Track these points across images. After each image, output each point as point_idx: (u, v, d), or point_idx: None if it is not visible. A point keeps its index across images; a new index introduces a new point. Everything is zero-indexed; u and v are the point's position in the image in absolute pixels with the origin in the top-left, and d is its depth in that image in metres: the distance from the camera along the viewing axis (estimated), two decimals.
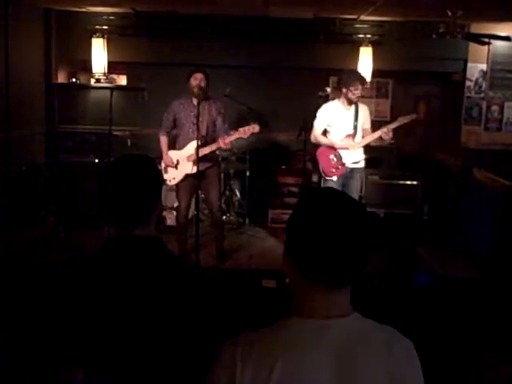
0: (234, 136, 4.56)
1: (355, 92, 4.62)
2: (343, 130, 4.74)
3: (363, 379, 1.12)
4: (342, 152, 4.69)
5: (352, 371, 1.12)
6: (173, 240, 4.85)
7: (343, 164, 4.68)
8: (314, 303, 1.18)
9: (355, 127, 4.77)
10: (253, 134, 4.56)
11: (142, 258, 1.50)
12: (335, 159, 4.69)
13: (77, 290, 1.49)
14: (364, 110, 4.88)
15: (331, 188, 1.32)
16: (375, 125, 4.94)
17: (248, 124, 4.63)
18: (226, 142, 4.55)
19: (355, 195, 4.81)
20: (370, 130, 4.83)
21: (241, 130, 4.55)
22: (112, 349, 1.44)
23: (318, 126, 4.86)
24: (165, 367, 1.44)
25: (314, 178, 5.66)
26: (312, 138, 4.92)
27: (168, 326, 1.45)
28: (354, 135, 4.77)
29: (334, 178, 4.77)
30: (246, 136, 4.57)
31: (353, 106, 4.79)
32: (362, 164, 4.89)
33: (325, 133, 4.82)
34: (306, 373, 1.11)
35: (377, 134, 4.70)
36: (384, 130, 4.64)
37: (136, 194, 1.53)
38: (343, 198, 1.22)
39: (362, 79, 4.69)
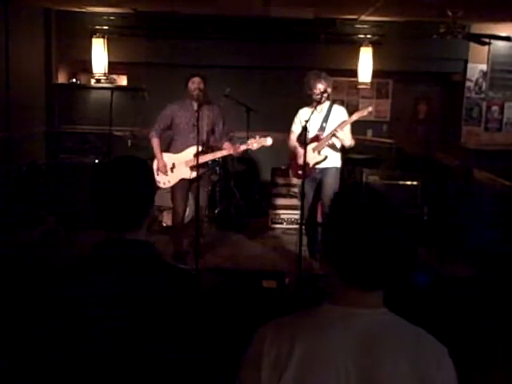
0: (243, 147, 4.58)
1: (315, 91, 4.54)
2: (312, 131, 4.63)
3: (385, 369, 1.13)
4: (308, 154, 4.54)
5: (374, 360, 1.14)
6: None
7: (308, 165, 4.52)
8: (345, 293, 1.21)
9: (322, 128, 4.69)
10: (262, 146, 4.57)
11: (131, 260, 1.46)
12: (302, 161, 4.59)
13: (65, 297, 1.44)
14: (339, 112, 4.74)
15: (367, 189, 1.29)
16: (375, 125, 4.93)
17: (249, 133, 4.66)
18: (237, 150, 4.58)
19: (331, 192, 4.72)
20: (349, 132, 4.70)
21: (249, 142, 4.56)
22: (101, 355, 1.40)
23: (294, 130, 4.86)
24: (156, 373, 1.41)
25: None
26: (288, 142, 4.91)
27: (159, 330, 1.41)
28: (320, 136, 4.68)
29: (299, 181, 4.73)
30: (254, 149, 4.59)
31: (325, 108, 4.70)
32: (333, 163, 4.74)
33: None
34: (327, 354, 1.14)
35: (331, 133, 4.60)
36: (337, 128, 4.53)
37: (127, 198, 1.48)
38: (380, 202, 1.23)
39: (317, 75, 4.55)
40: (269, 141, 4.51)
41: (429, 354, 1.17)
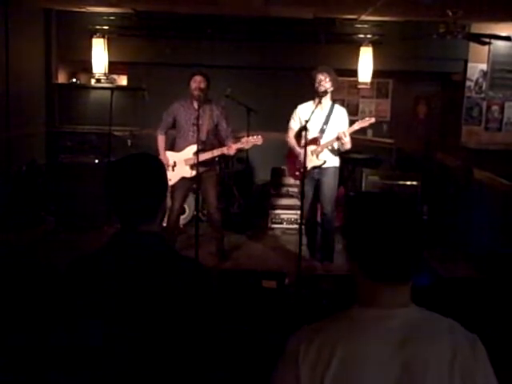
0: (237, 146, 4.63)
1: (320, 83, 4.52)
2: (312, 131, 4.62)
3: (426, 363, 1.16)
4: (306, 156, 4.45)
5: (415, 358, 1.16)
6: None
7: (306, 167, 4.44)
8: (376, 295, 1.23)
9: (322, 130, 4.66)
10: (255, 145, 4.63)
11: (145, 252, 1.52)
12: (300, 162, 4.53)
13: (79, 288, 1.50)
14: (340, 114, 4.72)
15: (381, 192, 1.37)
16: (375, 125, 4.92)
17: (248, 133, 4.83)
18: (231, 151, 4.62)
19: (330, 192, 4.71)
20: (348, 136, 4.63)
21: (243, 140, 4.64)
22: (113, 345, 1.44)
23: (292, 126, 4.83)
24: (166, 362, 1.45)
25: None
26: (286, 139, 4.90)
27: (170, 321, 1.45)
28: (319, 139, 4.66)
29: (298, 181, 4.72)
30: (248, 147, 4.68)
31: (327, 109, 4.67)
32: (331, 163, 4.73)
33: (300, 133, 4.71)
34: (366, 360, 1.16)
35: (334, 138, 4.59)
36: (340, 134, 4.50)
37: (142, 192, 1.54)
38: (395, 202, 1.28)
39: (323, 69, 4.56)
40: (260, 140, 4.58)
41: (464, 341, 1.22)
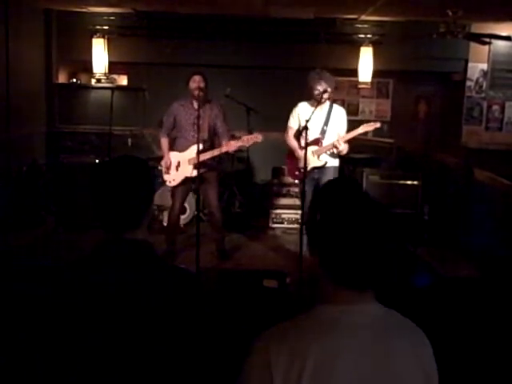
0: (238, 144, 4.62)
1: (314, 91, 4.51)
2: (312, 132, 4.59)
3: (394, 354, 1.20)
4: (307, 156, 4.38)
5: (382, 348, 1.19)
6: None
7: (306, 167, 4.39)
8: (339, 295, 1.25)
9: (323, 131, 4.65)
10: (255, 142, 4.63)
11: (129, 260, 1.47)
12: (300, 162, 4.53)
13: (66, 297, 1.45)
14: (339, 114, 4.70)
15: (355, 191, 1.34)
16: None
17: (250, 131, 4.84)
18: (231, 148, 4.61)
19: None
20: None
21: (244, 138, 4.63)
22: (101, 356, 1.41)
23: (291, 125, 4.81)
24: (156, 371, 1.42)
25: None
26: (285, 138, 4.89)
27: (159, 330, 1.41)
28: (320, 140, 4.66)
29: (298, 181, 4.75)
30: (248, 144, 4.67)
31: (326, 109, 4.66)
32: (331, 162, 4.72)
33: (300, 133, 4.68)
34: (340, 356, 1.17)
35: (332, 143, 4.58)
36: (335, 142, 4.49)
37: (127, 198, 1.49)
38: (369, 204, 1.27)
39: (318, 76, 4.51)
40: (259, 137, 4.58)
41: (418, 335, 1.29)
